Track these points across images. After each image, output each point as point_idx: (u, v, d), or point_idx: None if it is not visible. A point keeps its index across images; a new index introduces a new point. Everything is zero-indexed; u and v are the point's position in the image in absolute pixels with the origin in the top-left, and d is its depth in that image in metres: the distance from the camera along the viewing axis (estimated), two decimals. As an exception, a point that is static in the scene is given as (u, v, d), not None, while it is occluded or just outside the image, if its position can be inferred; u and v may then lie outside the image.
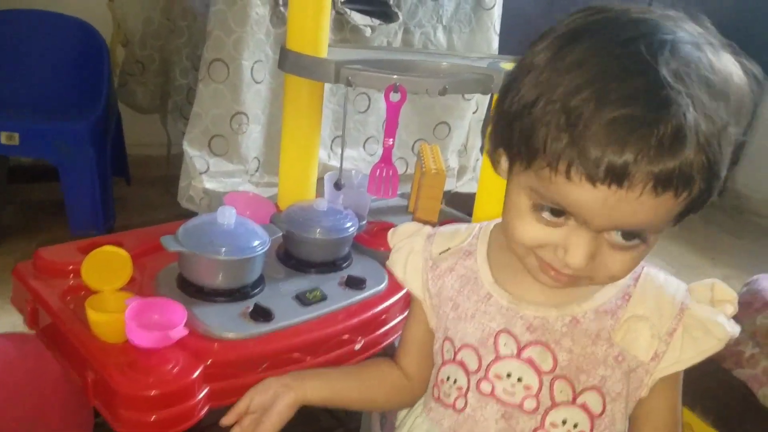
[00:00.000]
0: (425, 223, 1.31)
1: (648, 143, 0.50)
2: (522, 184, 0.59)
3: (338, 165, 1.30)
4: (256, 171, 1.85)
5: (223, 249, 0.94)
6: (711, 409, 0.72)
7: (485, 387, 0.69)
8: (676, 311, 0.65)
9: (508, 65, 1.26)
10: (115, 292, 0.94)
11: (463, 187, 2.33)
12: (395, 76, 1.13)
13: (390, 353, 1.23)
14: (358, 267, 1.13)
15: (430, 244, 0.77)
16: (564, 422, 0.66)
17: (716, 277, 0.67)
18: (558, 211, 0.57)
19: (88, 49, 2.01)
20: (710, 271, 2.26)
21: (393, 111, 1.14)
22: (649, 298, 0.66)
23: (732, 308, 0.66)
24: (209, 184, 1.76)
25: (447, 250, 0.75)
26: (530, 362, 0.66)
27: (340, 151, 1.90)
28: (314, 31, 1.16)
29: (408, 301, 1.17)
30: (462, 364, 0.71)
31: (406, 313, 1.16)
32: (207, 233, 0.95)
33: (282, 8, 1.74)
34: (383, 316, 1.08)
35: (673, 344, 0.65)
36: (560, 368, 0.66)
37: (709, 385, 0.69)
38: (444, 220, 1.35)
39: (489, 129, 0.65)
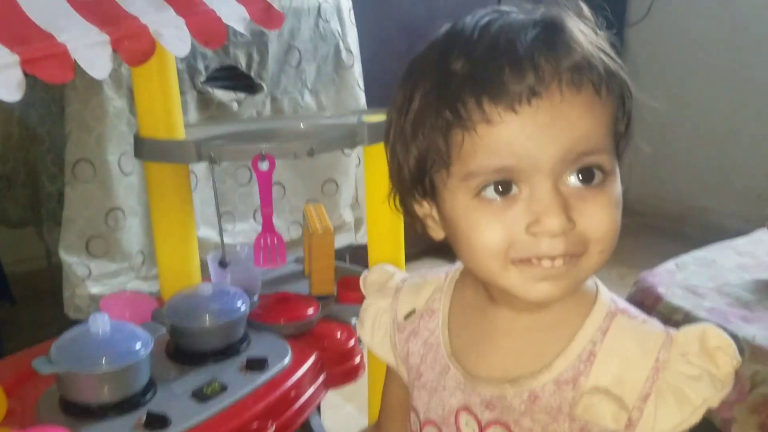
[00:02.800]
0: (323, 284, 1.31)
1: (537, 43, 0.49)
2: (454, 189, 0.55)
3: (232, 242, 1.26)
4: (142, 265, 1.77)
5: (102, 360, 0.87)
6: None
7: None
8: (649, 372, 0.56)
9: (371, 117, 1.27)
10: (-10, 431, 0.86)
11: (363, 238, 2.31)
12: (261, 145, 1.11)
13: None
14: (257, 346, 1.08)
15: (396, 301, 0.70)
16: None
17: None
18: (503, 183, 0.52)
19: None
20: (603, 274, 2.31)
21: (264, 180, 1.11)
22: (616, 359, 0.57)
23: (727, 358, 0.56)
24: (94, 289, 1.66)
25: (412, 312, 0.68)
26: None
27: (228, 228, 1.86)
28: (165, 114, 1.12)
29: (317, 371, 1.13)
30: None
31: (317, 384, 1.12)
32: (81, 347, 0.89)
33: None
34: (292, 393, 1.03)
35: (647, 412, 0.55)
36: None
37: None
38: (342, 277, 1.33)
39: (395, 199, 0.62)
